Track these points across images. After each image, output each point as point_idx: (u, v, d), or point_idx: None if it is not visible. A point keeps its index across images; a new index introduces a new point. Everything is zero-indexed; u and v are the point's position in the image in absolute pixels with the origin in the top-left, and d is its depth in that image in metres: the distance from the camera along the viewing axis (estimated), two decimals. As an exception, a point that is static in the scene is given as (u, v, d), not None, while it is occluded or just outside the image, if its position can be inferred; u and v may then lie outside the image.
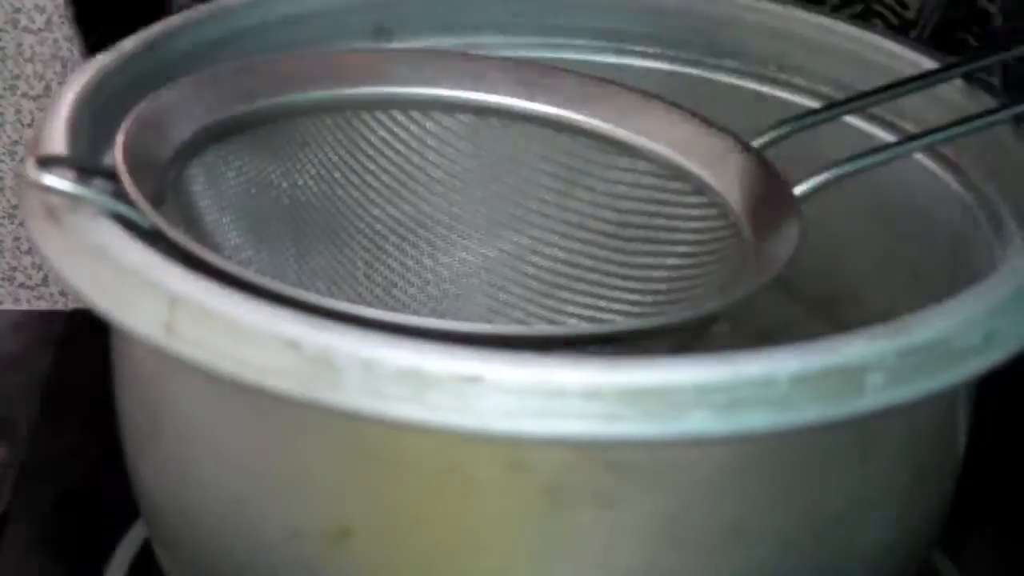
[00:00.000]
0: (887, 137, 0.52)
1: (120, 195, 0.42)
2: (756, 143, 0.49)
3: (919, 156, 0.51)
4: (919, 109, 0.52)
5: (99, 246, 0.40)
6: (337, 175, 0.51)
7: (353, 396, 0.36)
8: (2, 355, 0.65)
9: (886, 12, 0.62)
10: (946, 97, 0.51)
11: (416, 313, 0.52)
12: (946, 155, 0.51)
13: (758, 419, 0.36)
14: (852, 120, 0.53)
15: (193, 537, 0.44)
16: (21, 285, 1.42)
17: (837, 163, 0.48)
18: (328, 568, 0.41)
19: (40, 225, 0.41)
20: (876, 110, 0.52)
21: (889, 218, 0.53)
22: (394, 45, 0.55)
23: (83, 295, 0.40)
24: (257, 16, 0.53)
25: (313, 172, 0.50)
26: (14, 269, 1.42)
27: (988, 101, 0.50)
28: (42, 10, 1.35)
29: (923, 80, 0.51)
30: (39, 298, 1.42)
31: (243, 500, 0.42)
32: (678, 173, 0.50)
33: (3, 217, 1.41)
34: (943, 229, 0.50)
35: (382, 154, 0.51)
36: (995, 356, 0.39)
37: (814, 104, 0.53)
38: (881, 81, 0.51)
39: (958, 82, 0.51)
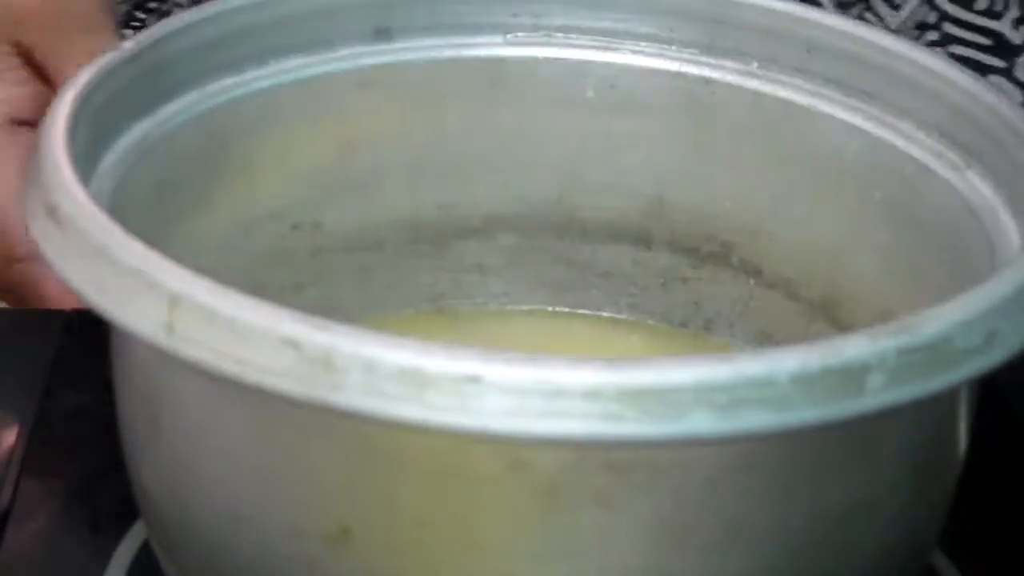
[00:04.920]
0: (886, 135, 0.52)
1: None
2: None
3: (919, 156, 0.51)
4: (919, 109, 0.51)
5: (99, 246, 0.40)
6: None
7: (354, 396, 0.36)
8: (3, 353, 0.65)
9: None
10: (946, 97, 0.51)
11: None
12: (946, 155, 0.51)
13: (758, 419, 0.36)
14: (852, 119, 0.53)
15: (193, 537, 0.44)
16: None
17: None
18: (328, 568, 0.41)
19: (40, 224, 0.41)
20: (876, 110, 0.52)
21: (889, 218, 0.53)
22: (394, 45, 0.55)
23: (83, 294, 0.40)
24: (257, 16, 0.53)
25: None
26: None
27: (989, 100, 0.50)
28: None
29: (923, 79, 0.51)
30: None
31: (243, 500, 0.42)
32: None
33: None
34: (943, 229, 0.50)
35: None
36: (996, 356, 0.39)
37: (814, 103, 0.53)
38: (881, 81, 0.51)
39: (959, 82, 0.51)
